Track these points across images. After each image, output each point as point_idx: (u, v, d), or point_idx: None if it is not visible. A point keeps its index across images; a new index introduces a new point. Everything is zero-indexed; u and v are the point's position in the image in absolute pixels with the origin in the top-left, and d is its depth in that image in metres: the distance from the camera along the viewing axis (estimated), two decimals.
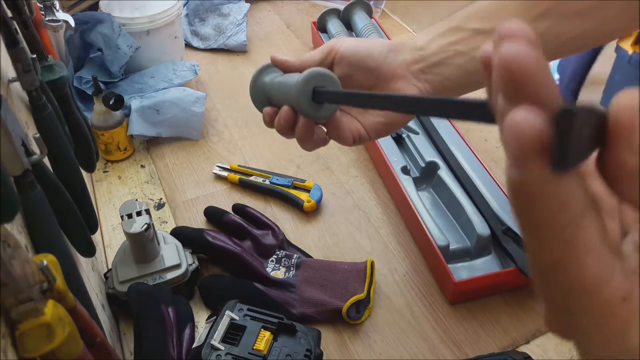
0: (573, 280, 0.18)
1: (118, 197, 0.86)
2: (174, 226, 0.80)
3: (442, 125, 0.89)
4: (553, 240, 0.17)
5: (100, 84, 0.89)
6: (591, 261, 0.17)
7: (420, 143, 0.87)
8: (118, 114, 0.88)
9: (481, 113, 0.21)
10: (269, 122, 0.53)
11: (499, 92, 0.16)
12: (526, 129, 0.15)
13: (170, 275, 0.66)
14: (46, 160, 0.48)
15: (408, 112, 0.32)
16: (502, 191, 0.77)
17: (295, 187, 0.84)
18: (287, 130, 0.52)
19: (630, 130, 0.16)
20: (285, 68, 0.55)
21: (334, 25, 1.13)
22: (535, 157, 0.16)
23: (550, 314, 0.20)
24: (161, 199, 0.86)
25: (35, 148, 0.42)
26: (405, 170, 0.82)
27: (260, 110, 0.55)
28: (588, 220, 0.17)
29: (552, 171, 0.16)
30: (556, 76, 2.51)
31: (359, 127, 0.53)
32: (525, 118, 0.15)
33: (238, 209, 0.80)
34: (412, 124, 0.92)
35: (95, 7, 1.07)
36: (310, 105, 0.48)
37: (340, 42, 0.52)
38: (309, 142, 0.53)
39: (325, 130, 0.53)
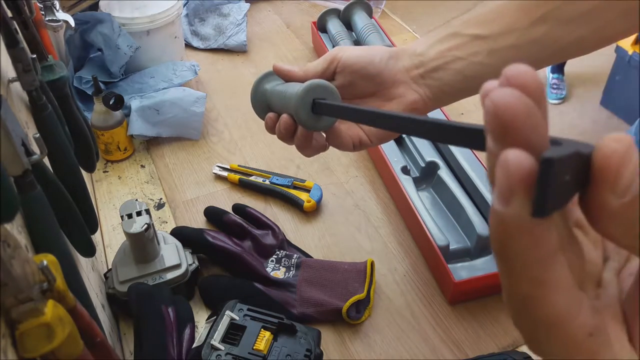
0: (540, 314, 0.19)
1: (118, 197, 0.86)
2: (174, 226, 0.80)
3: None
4: (523, 275, 0.18)
5: (100, 84, 0.89)
6: (558, 298, 0.18)
7: (420, 143, 0.87)
8: (118, 114, 0.88)
9: (477, 141, 0.21)
10: (271, 129, 0.55)
11: (488, 132, 0.17)
12: (515, 168, 0.16)
13: (170, 275, 0.66)
14: (46, 160, 0.48)
15: (403, 133, 0.32)
16: None
17: (295, 187, 0.84)
18: (287, 138, 0.53)
19: (616, 174, 0.17)
20: (289, 78, 0.56)
21: (334, 25, 1.13)
22: (518, 196, 0.16)
23: (526, 342, 0.21)
24: (161, 199, 0.86)
25: (35, 148, 0.42)
26: (405, 170, 0.82)
27: (261, 117, 0.56)
28: (559, 259, 0.18)
29: (532, 217, 0.16)
30: (551, 77, 2.49)
31: (360, 133, 0.54)
32: (516, 158, 0.16)
33: (238, 209, 0.80)
34: None
35: (95, 7, 1.07)
36: (309, 117, 0.49)
37: (343, 51, 0.53)
38: (308, 150, 0.54)
39: (325, 136, 0.54)
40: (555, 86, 2.53)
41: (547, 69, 2.58)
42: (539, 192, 0.16)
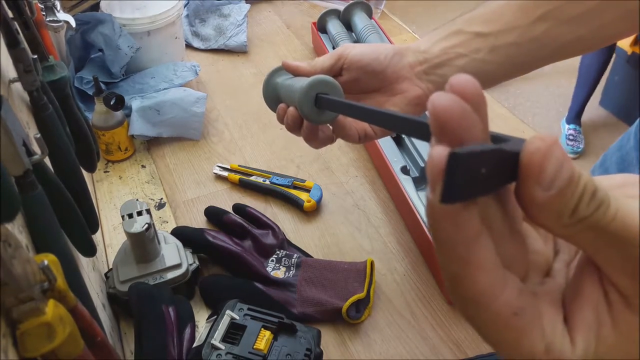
0: (466, 291, 0.20)
1: (119, 197, 0.86)
2: (174, 226, 0.80)
3: None
4: (451, 255, 0.20)
5: (101, 84, 0.90)
6: (481, 277, 0.20)
7: (420, 143, 0.88)
8: (119, 114, 0.88)
9: None
10: (281, 120, 0.57)
11: (431, 131, 0.19)
12: (437, 161, 0.18)
13: (170, 275, 0.67)
14: (47, 161, 0.48)
15: (397, 132, 0.34)
16: None
17: (295, 187, 0.85)
18: (294, 130, 0.56)
19: (539, 169, 0.18)
20: (297, 74, 0.57)
21: (333, 25, 1.14)
22: (439, 186, 0.18)
23: (464, 319, 0.23)
24: (162, 198, 0.86)
25: (36, 148, 0.42)
26: (405, 170, 0.82)
27: (272, 108, 0.59)
28: (483, 242, 0.20)
29: (440, 202, 0.19)
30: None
31: (365, 126, 0.56)
32: (438, 153, 0.18)
33: (238, 208, 0.80)
34: None
35: (96, 7, 1.07)
36: (312, 111, 0.51)
37: (350, 48, 0.55)
38: (314, 141, 0.56)
39: (332, 128, 0.55)
40: (571, 137, 2.30)
41: (563, 119, 2.38)
42: (445, 182, 0.18)
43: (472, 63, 0.51)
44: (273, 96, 0.59)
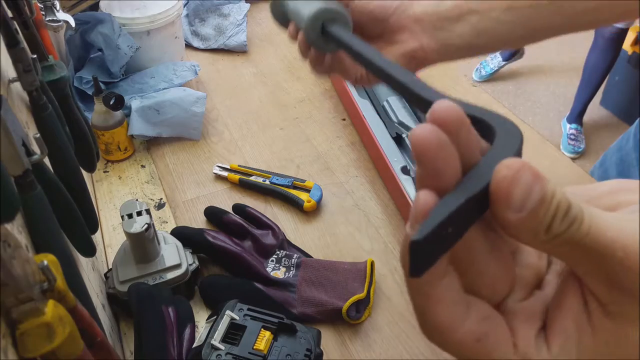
0: (429, 322, 0.22)
1: (118, 197, 0.86)
2: (174, 226, 0.80)
3: None
4: (417, 292, 0.22)
5: (101, 84, 0.90)
6: (442, 311, 0.22)
7: None
8: (118, 114, 0.88)
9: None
10: (292, 39, 0.56)
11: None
12: (420, 205, 0.20)
13: (170, 275, 0.67)
14: (47, 160, 0.48)
15: (386, 84, 0.35)
16: None
17: (295, 187, 0.85)
18: (303, 53, 0.55)
19: (507, 196, 0.19)
20: None
21: None
22: (418, 226, 0.20)
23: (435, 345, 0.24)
24: (161, 199, 0.86)
25: (35, 148, 0.42)
26: (405, 170, 0.82)
27: (281, 25, 0.57)
28: (444, 281, 0.22)
29: (410, 277, 0.20)
30: None
31: (363, 70, 0.54)
32: (423, 197, 0.20)
33: (238, 208, 0.80)
34: (411, 123, 0.92)
35: (95, 7, 1.07)
36: (318, 39, 0.50)
37: None
38: (319, 68, 0.55)
39: (330, 59, 0.54)
40: (572, 137, 2.30)
41: (564, 119, 2.37)
42: (411, 263, 0.20)
43: (485, 21, 0.50)
44: (281, 15, 0.56)
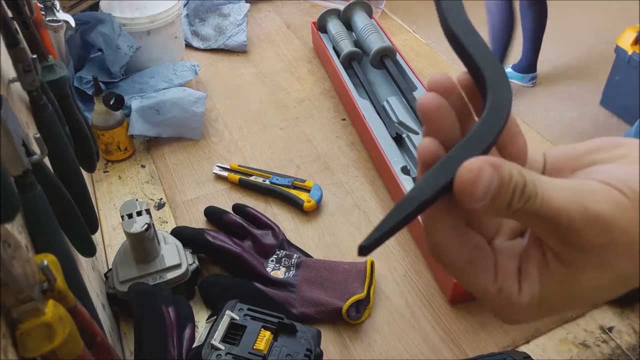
0: (432, 240, 0.27)
1: (118, 197, 0.86)
2: (174, 226, 0.80)
3: None
4: (425, 214, 0.27)
5: (101, 84, 0.90)
6: (442, 232, 0.27)
7: None
8: (118, 114, 0.88)
9: None
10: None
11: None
12: (421, 151, 0.26)
13: (170, 275, 0.67)
14: (47, 161, 0.48)
15: None
16: None
17: (295, 187, 0.85)
18: None
19: (471, 195, 0.23)
20: None
21: (334, 25, 1.13)
22: (423, 169, 0.26)
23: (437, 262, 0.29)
24: (161, 198, 0.86)
25: (35, 148, 0.42)
26: (405, 170, 0.82)
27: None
28: (447, 211, 0.27)
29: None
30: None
31: None
32: (424, 144, 0.26)
33: (238, 208, 0.80)
34: (411, 123, 0.92)
35: (95, 7, 1.07)
36: None
37: None
38: None
39: None
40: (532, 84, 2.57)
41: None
42: (361, 249, 0.24)
43: None
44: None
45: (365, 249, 0.24)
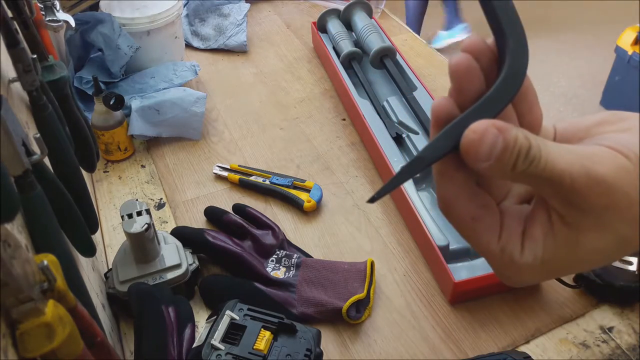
0: (441, 195, 0.29)
1: (118, 197, 0.86)
2: (174, 226, 0.80)
3: None
4: (436, 170, 0.28)
5: (101, 84, 0.90)
6: (451, 187, 0.28)
7: (420, 143, 0.88)
8: (118, 114, 0.88)
9: None
10: None
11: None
12: (437, 106, 0.28)
13: (170, 275, 0.67)
14: (46, 160, 0.48)
15: None
16: None
17: (295, 187, 0.85)
18: None
19: (476, 155, 0.25)
20: None
21: (334, 25, 1.13)
22: (436, 128, 0.28)
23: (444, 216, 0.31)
24: (161, 199, 0.86)
25: (35, 148, 0.42)
26: None
27: None
28: (458, 168, 0.28)
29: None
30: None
31: None
32: (440, 101, 0.28)
33: (238, 208, 0.80)
34: (411, 123, 0.92)
35: (95, 7, 1.07)
36: None
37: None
38: None
39: None
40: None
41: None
42: (374, 197, 0.26)
43: None
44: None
45: (374, 199, 0.26)
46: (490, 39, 0.29)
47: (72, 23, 0.86)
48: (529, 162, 0.25)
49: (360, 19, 1.12)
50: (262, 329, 0.58)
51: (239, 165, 0.89)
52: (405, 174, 0.26)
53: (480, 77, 0.27)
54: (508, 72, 0.26)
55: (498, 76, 0.27)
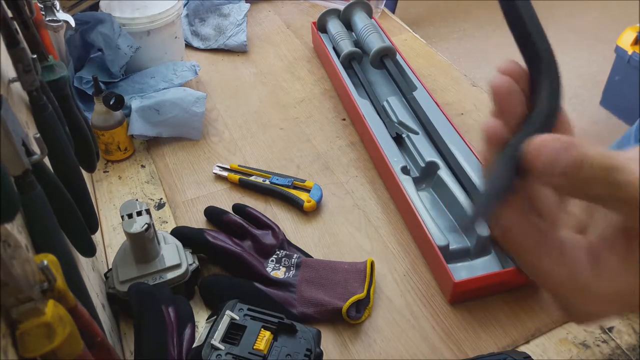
0: (497, 228, 0.28)
1: (118, 197, 0.86)
2: (174, 226, 0.80)
3: (442, 125, 0.89)
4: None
5: (101, 84, 0.90)
6: (509, 218, 0.27)
7: (420, 143, 0.88)
8: (118, 114, 0.88)
9: None
10: None
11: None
12: (489, 129, 0.28)
13: (170, 275, 0.67)
14: (46, 160, 0.48)
15: None
16: None
17: (295, 187, 0.85)
18: None
19: (537, 161, 0.24)
20: None
21: (334, 25, 1.13)
22: (490, 147, 0.28)
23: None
24: (161, 198, 0.86)
25: (35, 148, 0.42)
26: (405, 170, 0.82)
27: None
28: (515, 202, 0.27)
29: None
30: None
31: None
32: (491, 123, 0.28)
33: (238, 208, 0.80)
34: (412, 124, 0.92)
35: (95, 7, 1.07)
36: None
37: None
38: None
39: None
40: None
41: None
42: (473, 216, 0.26)
43: None
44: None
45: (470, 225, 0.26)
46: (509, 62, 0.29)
47: (72, 23, 0.86)
48: (608, 185, 0.23)
49: (360, 19, 1.12)
50: (262, 329, 0.58)
51: (239, 165, 0.89)
52: (489, 203, 0.26)
53: (522, 99, 0.28)
54: (551, 88, 0.28)
55: (535, 96, 0.28)
